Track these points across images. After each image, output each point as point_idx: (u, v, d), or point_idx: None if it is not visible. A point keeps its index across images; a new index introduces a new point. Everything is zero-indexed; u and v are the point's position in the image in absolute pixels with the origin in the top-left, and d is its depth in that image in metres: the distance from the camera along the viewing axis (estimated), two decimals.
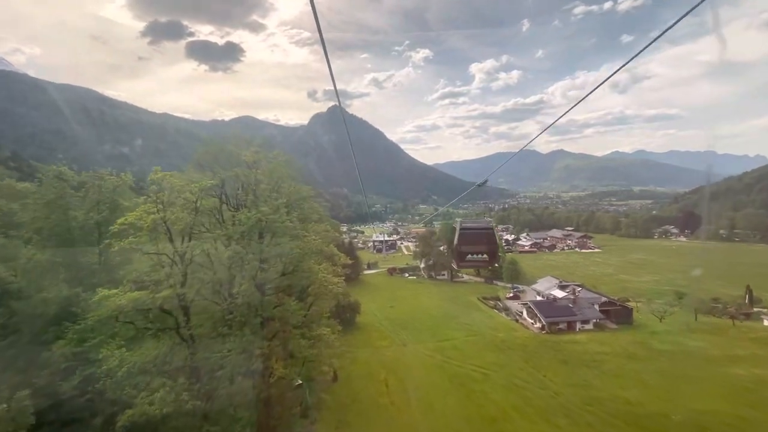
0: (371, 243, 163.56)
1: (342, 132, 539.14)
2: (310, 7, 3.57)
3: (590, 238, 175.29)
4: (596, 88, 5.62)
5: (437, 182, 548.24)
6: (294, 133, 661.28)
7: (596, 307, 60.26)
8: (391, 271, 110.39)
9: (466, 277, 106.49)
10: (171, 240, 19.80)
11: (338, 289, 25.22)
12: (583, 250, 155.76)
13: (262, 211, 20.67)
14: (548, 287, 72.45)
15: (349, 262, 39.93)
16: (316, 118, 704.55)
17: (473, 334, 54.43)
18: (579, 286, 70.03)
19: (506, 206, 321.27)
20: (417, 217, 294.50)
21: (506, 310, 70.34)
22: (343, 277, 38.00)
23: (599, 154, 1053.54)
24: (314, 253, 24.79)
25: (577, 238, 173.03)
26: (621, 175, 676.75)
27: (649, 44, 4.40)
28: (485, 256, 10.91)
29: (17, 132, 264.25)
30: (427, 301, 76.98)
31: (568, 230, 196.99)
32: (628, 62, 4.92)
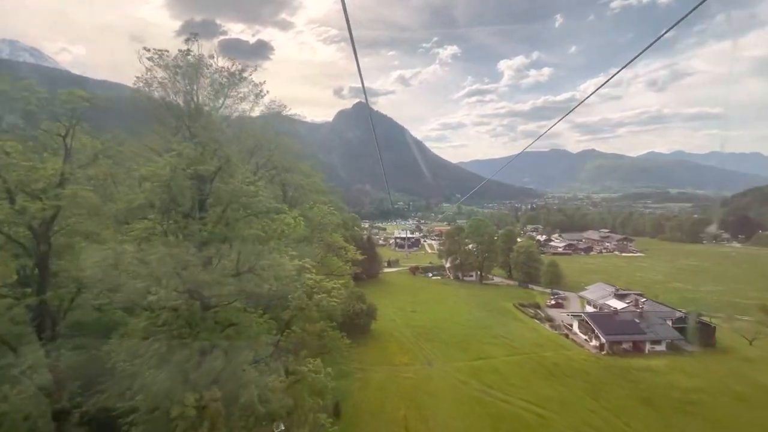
0: (393, 240, 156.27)
1: (366, 129, 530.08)
2: (339, 5, 4.04)
3: (631, 240, 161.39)
4: (592, 94, 7.79)
5: (462, 180, 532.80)
6: (319, 129, 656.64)
7: (669, 323, 48.54)
8: (414, 271, 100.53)
9: (496, 279, 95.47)
10: (12, 201, 10.67)
11: (334, 302, 15.59)
12: (624, 254, 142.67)
13: (186, 155, 11.21)
14: (602, 296, 60.61)
15: (359, 257, 30.43)
16: (341, 114, 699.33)
17: (515, 352, 44.01)
18: (641, 295, 57.98)
19: (533, 206, 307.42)
20: (440, 215, 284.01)
21: (549, 320, 59.45)
22: (351, 275, 28.73)
23: (633, 154, 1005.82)
24: (296, 241, 15.28)
25: (617, 241, 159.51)
26: (657, 176, 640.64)
27: (644, 51, 5.27)
28: None
29: None
30: (454, 306, 66.88)
31: (604, 232, 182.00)
32: (626, 66, 5.93)
